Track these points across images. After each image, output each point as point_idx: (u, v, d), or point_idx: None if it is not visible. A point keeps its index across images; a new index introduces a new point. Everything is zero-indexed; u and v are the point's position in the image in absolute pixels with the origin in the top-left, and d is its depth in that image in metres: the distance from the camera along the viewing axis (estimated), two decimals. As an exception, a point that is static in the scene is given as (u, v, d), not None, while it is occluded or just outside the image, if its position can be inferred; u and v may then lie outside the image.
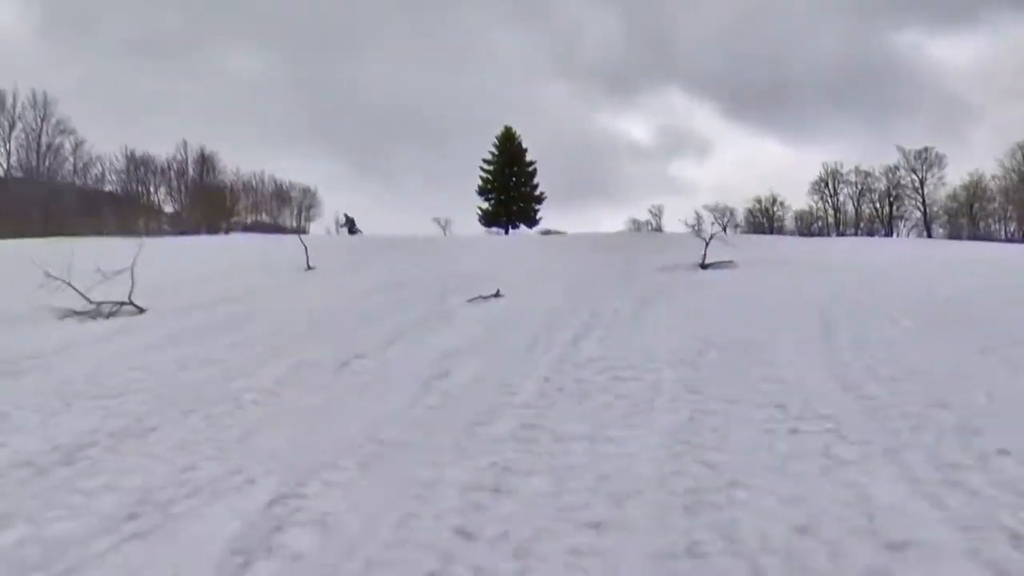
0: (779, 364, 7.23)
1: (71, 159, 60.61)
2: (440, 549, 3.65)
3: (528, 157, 58.86)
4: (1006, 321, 8.75)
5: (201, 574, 3.46)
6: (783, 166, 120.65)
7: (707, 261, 15.95)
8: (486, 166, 57.58)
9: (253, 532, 3.87)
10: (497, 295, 12.35)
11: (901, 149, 78.31)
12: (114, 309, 11.26)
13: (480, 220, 57.27)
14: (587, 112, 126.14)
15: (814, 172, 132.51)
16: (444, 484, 4.46)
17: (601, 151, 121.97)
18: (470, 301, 11.92)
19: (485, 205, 57.60)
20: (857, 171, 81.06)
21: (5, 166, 54.73)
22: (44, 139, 56.87)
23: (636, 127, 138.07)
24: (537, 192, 58.24)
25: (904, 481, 4.26)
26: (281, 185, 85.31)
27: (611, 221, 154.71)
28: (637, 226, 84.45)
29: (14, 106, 55.03)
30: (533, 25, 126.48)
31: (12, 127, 54.79)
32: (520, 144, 57.41)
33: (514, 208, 56.17)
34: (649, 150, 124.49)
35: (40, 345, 9.04)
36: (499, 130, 59.38)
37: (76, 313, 11.10)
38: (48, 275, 11.47)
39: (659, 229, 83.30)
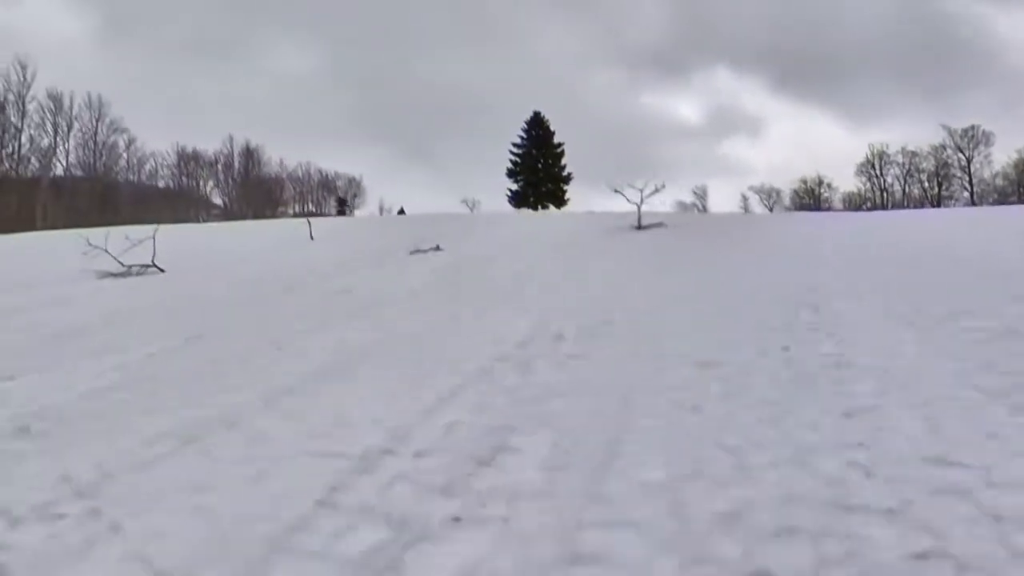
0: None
1: (125, 156, 64.22)
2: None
3: (556, 139, 60.47)
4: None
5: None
6: (840, 145, 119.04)
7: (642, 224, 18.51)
8: (515, 149, 59.54)
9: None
10: (438, 248, 14.65)
11: (947, 128, 77.17)
12: (141, 271, 13.49)
13: (509, 201, 59.31)
14: (636, 94, 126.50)
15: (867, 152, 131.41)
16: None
17: (651, 133, 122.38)
18: (411, 253, 14.27)
19: (514, 186, 59.55)
20: (904, 151, 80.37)
21: (64, 164, 58.22)
22: (99, 138, 60.35)
23: (686, 107, 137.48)
24: (565, 173, 60.02)
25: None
26: (326, 175, 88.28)
27: (661, 201, 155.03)
28: (683, 208, 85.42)
29: (71, 108, 58.42)
30: (578, 13, 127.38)
31: (70, 128, 58.17)
32: (548, 128, 59.36)
33: (543, 189, 58.13)
34: (700, 130, 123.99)
35: (77, 292, 11.39)
36: (528, 115, 61.36)
37: (112, 274, 13.35)
38: (89, 243, 13.80)
39: (704, 211, 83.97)
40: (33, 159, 57.00)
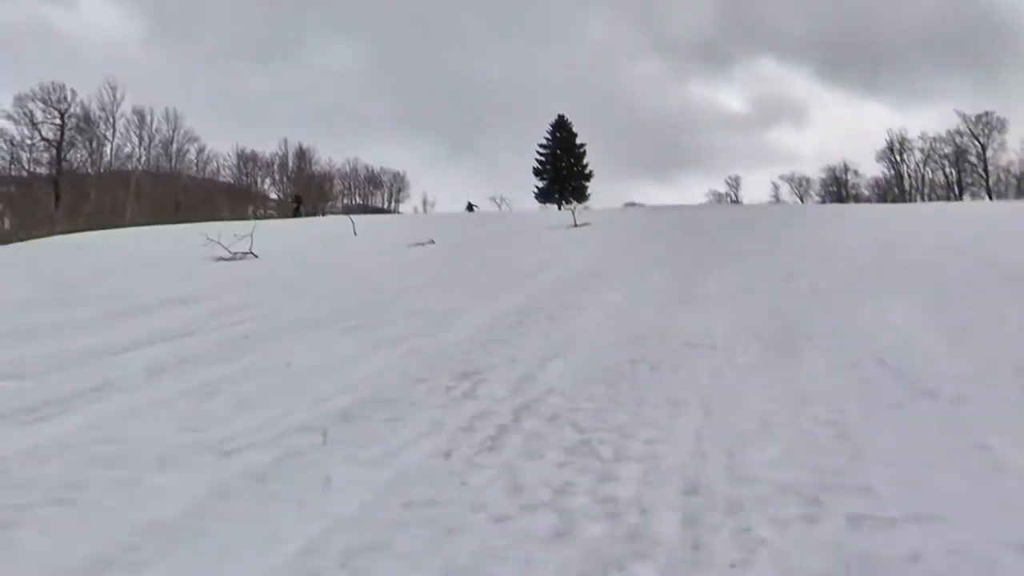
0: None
1: (194, 159, 72.93)
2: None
3: (579, 140, 67.58)
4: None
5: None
6: (890, 131, 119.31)
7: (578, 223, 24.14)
8: (541, 150, 66.78)
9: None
10: (432, 242, 20.42)
11: (960, 114, 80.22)
12: (242, 256, 19.34)
13: (536, 197, 66.31)
14: (680, 85, 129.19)
15: (923, 130, 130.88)
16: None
17: (696, 122, 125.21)
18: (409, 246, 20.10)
19: (540, 184, 66.16)
20: (923, 137, 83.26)
21: (142, 169, 66.36)
22: (175, 146, 69.47)
23: (730, 96, 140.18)
24: (586, 171, 66.50)
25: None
26: (372, 170, 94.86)
27: (700, 192, 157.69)
28: (717, 198, 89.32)
29: (151, 121, 67.34)
30: (621, 4, 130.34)
31: (151, 139, 66.76)
32: (571, 130, 66.67)
33: (567, 187, 64.43)
34: (744, 119, 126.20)
35: (201, 269, 17.32)
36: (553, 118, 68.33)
37: (222, 259, 19.19)
38: (207, 238, 19.72)
39: (737, 201, 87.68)
40: (122, 164, 65.76)
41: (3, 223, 44.77)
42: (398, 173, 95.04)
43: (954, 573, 2.81)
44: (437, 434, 4.57)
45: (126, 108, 66.94)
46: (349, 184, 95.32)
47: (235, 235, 19.52)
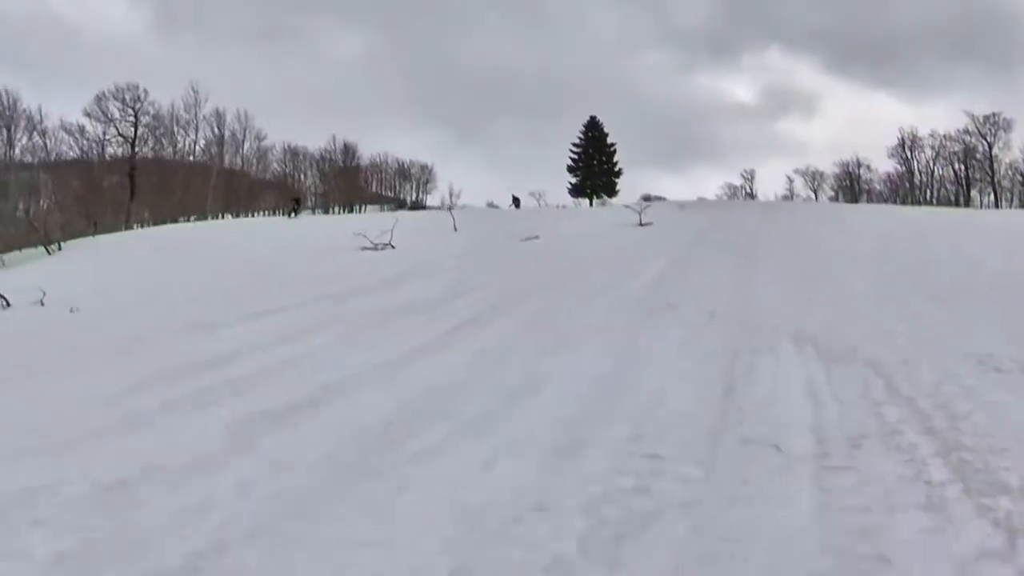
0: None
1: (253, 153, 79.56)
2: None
3: (609, 140, 74.32)
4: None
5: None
6: (897, 122, 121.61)
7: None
8: (574, 148, 73.37)
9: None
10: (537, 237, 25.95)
11: (969, 114, 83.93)
12: (382, 247, 24.76)
13: (569, 192, 73.16)
14: (688, 76, 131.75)
15: (933, 128, 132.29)
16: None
17: (704, 113, 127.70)
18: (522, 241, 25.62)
19: (573, 180, 72.65)
20: (933, 135, 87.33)
21: (219, 165, 72.54)
22: (246, 144, 78.31)
23: (739, 87, 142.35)
24: (616, 168, 72.90)
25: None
26: (402, 164, 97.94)
27: (714, 184, 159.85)
28: (732, 191, 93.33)
29: (225, 120, 75.25)
30: None
31: (223, 136, 74.83)
32: (603, 130, 72.93)
33: (599, 183, 70.85)
34: (753, 110, 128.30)
35: (350, 258, 22.68)
36: (586, 119, 75.00)
37: (366, 248, 24.59)
38: (355, 233, 25.20)
39: (752, 195, 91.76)
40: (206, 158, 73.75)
41: (84, 213, 49.82)
42: (425, 165, 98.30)
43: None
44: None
45: (207, 108, 73.46)
46: (381, 177, 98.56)
47: (382, 231, 25.03)
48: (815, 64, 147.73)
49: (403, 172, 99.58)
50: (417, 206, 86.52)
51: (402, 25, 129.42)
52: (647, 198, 66.49)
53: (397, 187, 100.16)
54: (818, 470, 4.72)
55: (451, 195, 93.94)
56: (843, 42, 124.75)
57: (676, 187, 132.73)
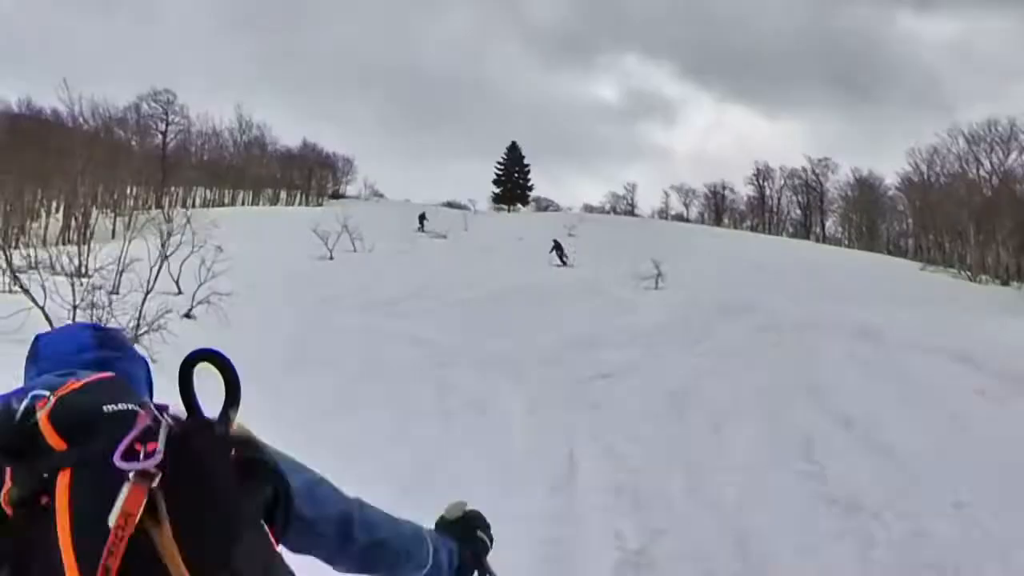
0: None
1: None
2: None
3: (526, 161, 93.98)
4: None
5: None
6: (755, 135, 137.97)
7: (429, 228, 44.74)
8: (498, 166, 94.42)
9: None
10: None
11: (808, 157, 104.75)
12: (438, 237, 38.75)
13: (491, 199, 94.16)
14: (548, 75, 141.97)
15: (793, 148, 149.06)
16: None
17: (567, 114, 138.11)
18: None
19: (497, 190, 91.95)
20: (782, 169, 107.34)
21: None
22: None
23: (602, 89, 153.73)
24: (529, 184, 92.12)
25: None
26: (326, 153, 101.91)
27: (594, 192, 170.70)
28: (616, 200, 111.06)
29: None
30: None
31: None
32: (521, 152, 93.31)
33: (516, 192, 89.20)
34: (616, 113, 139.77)
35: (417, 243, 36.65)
36: (508, 140, 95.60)
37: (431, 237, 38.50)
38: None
39: (632, 206, 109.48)
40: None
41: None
42: (347, 158, 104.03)
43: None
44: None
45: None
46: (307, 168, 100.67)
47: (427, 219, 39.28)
48: (673, 72, 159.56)
49: (326, 162, 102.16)
50: (337, 195, 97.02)
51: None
52: (543, 207, 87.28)
53: (319, 176, 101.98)
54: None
55: (367, 188, 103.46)
56: (698, 53, 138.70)
57: (559, 194, 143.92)
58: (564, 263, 40.39)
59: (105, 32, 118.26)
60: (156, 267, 15.97)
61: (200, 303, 15.64)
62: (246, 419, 1.26)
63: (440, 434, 7.78)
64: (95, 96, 74.55)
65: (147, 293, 13.85)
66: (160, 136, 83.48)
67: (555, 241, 42.57)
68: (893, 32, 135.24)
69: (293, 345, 13.82)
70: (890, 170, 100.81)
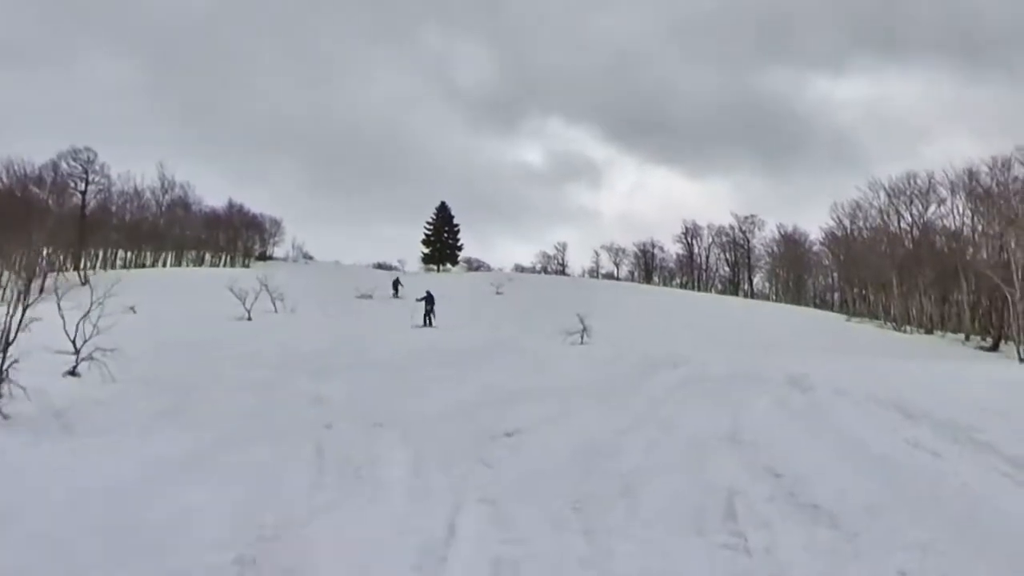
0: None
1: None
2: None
3: (455, 221, 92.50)
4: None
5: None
6: (694, 197, 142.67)
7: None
8: (428, 226, 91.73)
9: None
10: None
11: (735, 215, 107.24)
12: (364, 297, 37.49)
13: (421, 259, 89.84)
14: (476, 138, 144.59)
15: (720, 206, 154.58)
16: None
17: (499, 178, 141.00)
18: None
19: (427, 250, 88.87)
20: (709, 227, 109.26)
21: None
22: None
23: (529, 152, 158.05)
24: (459, 243, 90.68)
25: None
26: (253, 215, 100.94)
27: (525, 253, 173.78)
28: (547, 260, 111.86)
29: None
30: (403, 52, 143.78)
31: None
32: (450, 212, 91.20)
33: (446, 252, 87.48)
34: (543, 176, 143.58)
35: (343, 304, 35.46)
36: (438, 200, 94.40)
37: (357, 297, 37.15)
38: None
39: (563, 266, 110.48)
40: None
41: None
42: (274, 219, 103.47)
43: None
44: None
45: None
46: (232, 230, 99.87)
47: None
48: (596, 135, 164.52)
49: (253, 224, 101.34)
50: (265, 257, 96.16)
51: (172, 59, 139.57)
52: (474, 268, 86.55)
53: (248, 240, 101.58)
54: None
55: (297, 249, 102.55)
56: (620, 119, 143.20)
57: (488, 255, 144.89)
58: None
59: (20, 87, 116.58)
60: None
61: (84, 360, 15.13)
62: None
63: (300, 501, 6.63)
64: (10, 154, 73.01)
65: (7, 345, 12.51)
66: (79, 196, 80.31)
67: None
68: (809, 95, 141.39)
69: (171, 400, 12.60)
70: (814, 226, 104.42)
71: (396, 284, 49.08)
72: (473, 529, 5.90)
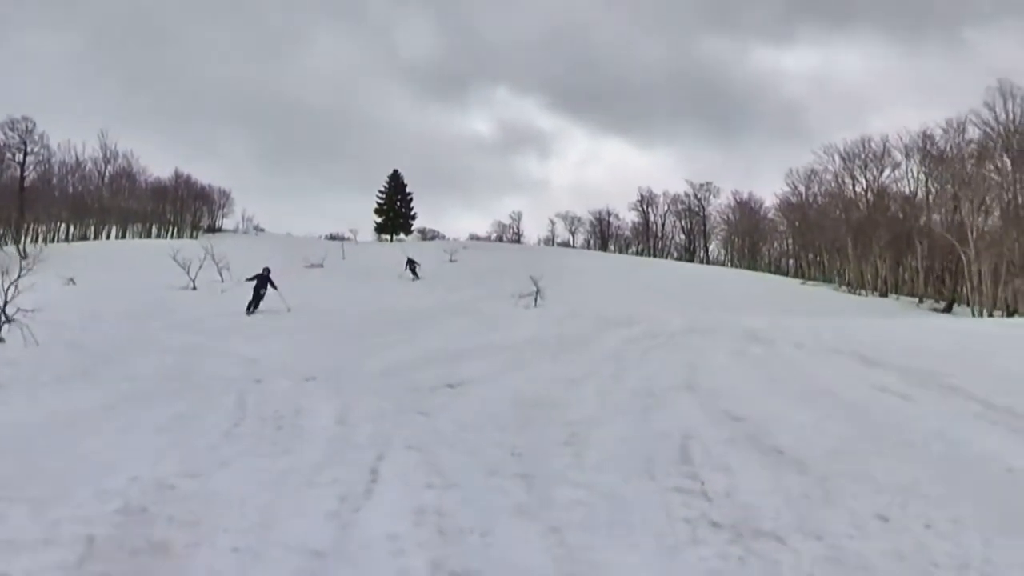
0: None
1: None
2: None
3: (408, 190, 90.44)
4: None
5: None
6: (631, 165, 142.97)
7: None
8: (380, 195, 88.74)
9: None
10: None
11: (689, 181, 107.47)
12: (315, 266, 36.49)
13: (375, 229, 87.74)
14: (425, 109, 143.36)
15: (675, 175, 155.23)
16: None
17: (450, 148, 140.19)
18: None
19: (379, 220, 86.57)
20: (665, 195, 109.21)
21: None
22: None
23: (477, 122, 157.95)
24: (412, 212, 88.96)
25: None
26: (202, 187, 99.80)
27: (481, 223, 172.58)
28: (502, 229, 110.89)
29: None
30: (349, 24, 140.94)
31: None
32: (402, 180, 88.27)
33: (399, 221, 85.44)
34: (493, 147, 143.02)
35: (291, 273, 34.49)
36: (390, 171, 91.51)
37: (306, 267, 36.27)
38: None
39: (519, 235, 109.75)
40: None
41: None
42: (223, 189, 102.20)
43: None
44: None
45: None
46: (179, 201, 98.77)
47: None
48: (543, 104, 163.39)
49: (202, 196, 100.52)
50: (214, 229, 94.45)
51: (113, 31, 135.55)
52: (430, 238, 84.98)
53: (196, 212, 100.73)
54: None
55: (247, 221, 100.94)
56: (565, 89, 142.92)
57: (446, 225, 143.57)
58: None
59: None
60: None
61: (5, 323, 14.67)
62: None
63: (210, 452, 5.89)
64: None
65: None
66: (18, 167, 77.65)
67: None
68: (755, 65, 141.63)
69: (91, 362, 11.76)
70: (768, 192, 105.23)
71: (412, 265, 43.07)
72: (398, 476, 5.19)
